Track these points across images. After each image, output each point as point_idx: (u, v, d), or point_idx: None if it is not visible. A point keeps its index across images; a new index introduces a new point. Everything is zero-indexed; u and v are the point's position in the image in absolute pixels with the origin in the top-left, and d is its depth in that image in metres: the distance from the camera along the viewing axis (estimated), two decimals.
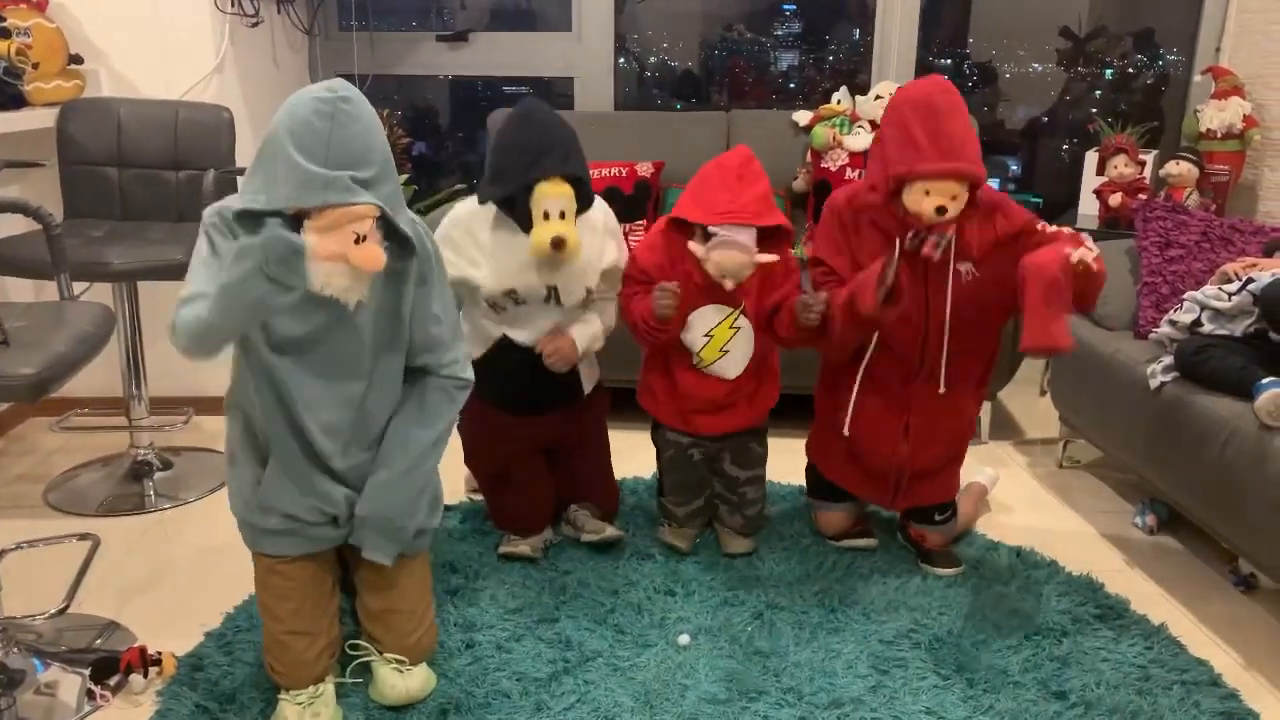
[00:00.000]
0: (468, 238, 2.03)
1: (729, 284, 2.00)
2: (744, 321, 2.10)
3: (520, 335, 2.09)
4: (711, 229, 1.97)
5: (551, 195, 1.92)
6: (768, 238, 2.02)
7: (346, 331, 1.59)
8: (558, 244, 1.92)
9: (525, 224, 1.97)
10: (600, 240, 2.09)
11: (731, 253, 1.97)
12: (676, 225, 2.06)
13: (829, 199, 2.11)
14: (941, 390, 2.06)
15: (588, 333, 2.13)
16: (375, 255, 1.49)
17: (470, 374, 1.76)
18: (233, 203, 1.52)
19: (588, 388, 2.23)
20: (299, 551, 1.69)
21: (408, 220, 1.58)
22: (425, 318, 1.67)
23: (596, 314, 2.17)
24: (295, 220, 1.46)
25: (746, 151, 2.02)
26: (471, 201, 2.06)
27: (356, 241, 1.46)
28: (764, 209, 1.99)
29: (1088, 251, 1.87)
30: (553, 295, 2.05)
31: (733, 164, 2.00)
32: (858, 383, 2.11)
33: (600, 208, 2.12)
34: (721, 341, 2.09)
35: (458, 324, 1.76)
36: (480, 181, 2.05)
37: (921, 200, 1.89)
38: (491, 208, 2.02)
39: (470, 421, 2.16)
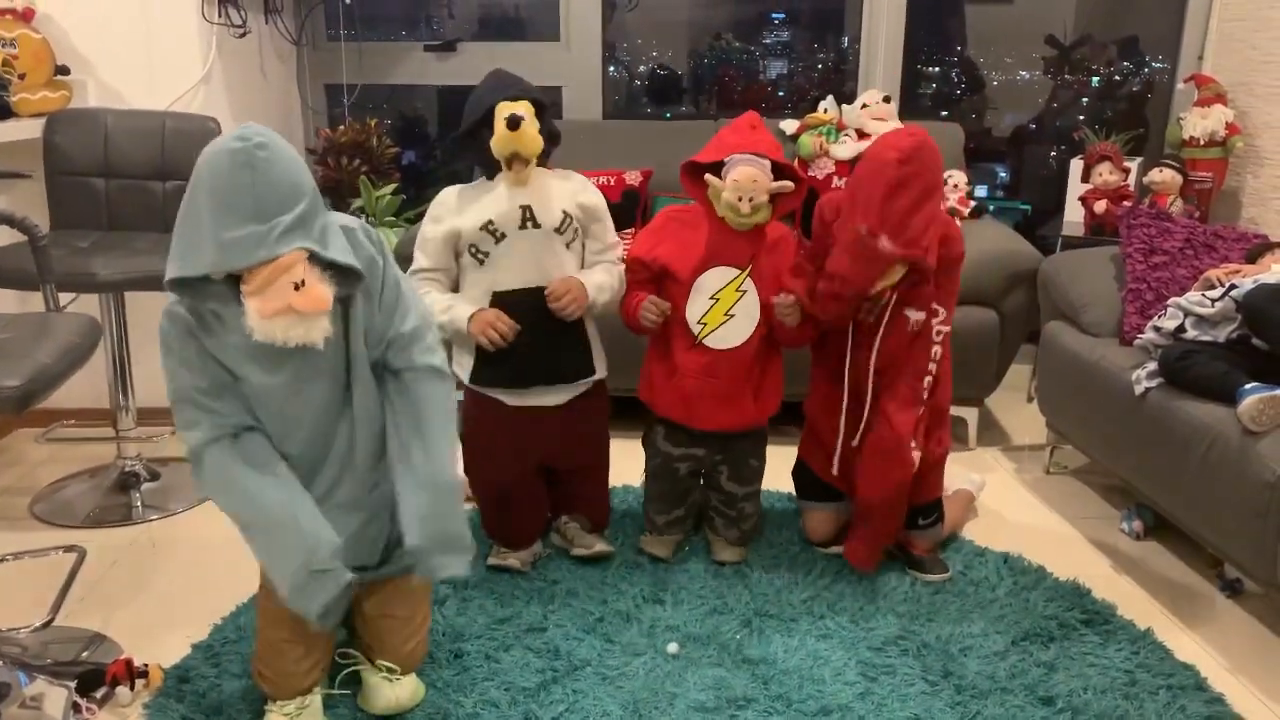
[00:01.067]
0: (446, 205, 2.09)
1: (745, 208, 2.02)
2: (750, 285, 2.10)
3: (509, 278, 2.05)
4: (725, 160, 2.05)
5: (510, 108, 1.97)
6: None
7: (317, 369, 1.57)
8: (513, 122, 1.94)
9: (491, 168, 2.04)
10: (577, 183, 2.14)
11: (749, 169, 2.02)
12: (691, 177, 2.11)
13: (817, 208, 2.13)
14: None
15: (594, 278, 2.10)
16: (318, 295, 1.45)
17: (446, 363, 1.71)
18: (171, 303, 1.50)
19: (598, 367, 2.18)
20: None
21: (340, 246, 1.52)
22: (388, 315, 1.63)
23: (598, 269, 2.14)
24: (232, 278, 1.45)
25: (755, 114, 2.12)
26: (449, 188, 2.13)
27: (297, 288, 1.44)
28: (776, 150, 2.08)
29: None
30: (528, 216, 2.03)
31: (744, 120, 2.12)
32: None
33: (578, 176, 2.17)
34: (727, 305, 2.09)
35: (425, 313, 1.70)
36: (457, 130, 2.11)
37: None
38: (479, 181, 2.09)
39: (477, 429, 2.15)
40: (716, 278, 2.09)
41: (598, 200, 2.15)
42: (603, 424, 2.26)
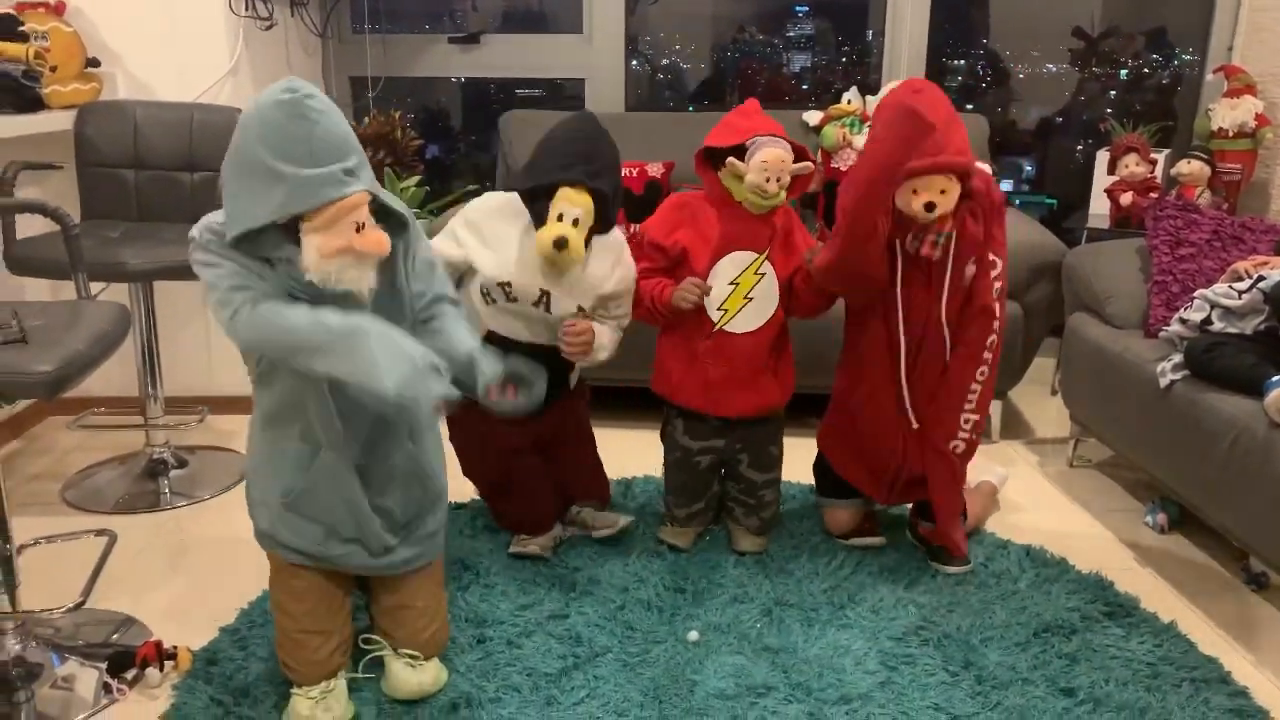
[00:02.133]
0: (489, 221, 2.06)
1: (773, 186, 2.03)
2: (768, 267, 2.11)
3: (505, 330, 2.09)
4: (749, 143, 2.04)
5: (569, 200, 1.94)
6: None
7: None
8: (560, 244, 1.93)
9: (540, 224, 1.98)
10: (609, 267, 2.08)
11: (776, 149, 2.02)
12: (706, 162, 2.11)
13: (839, 192, 2.12)
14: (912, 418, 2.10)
15: (602, 336, 2.12)
16: (380, 239, 1.50)
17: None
18: (215, 221, 1.50)
19: (573, 382, 2.24)
20: (314, 571, 1.70)
21: (389, 195, 1.58)
22: (419, 274, 1.66)
23: (607, 329, 2.16)
24: (288, 228, 1.46)
25: (756, 102, 2.14)
26: (505, 195, 2.09)
27: (358, 230, 1.47)
28: (786, 134, 2.07)
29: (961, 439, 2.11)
30: (544, 300, 2.04)
31: (749, 106, 2.13)
32: (871, 369, 2.12)
33: (618, 238, 2.12)
34: (746, 288, 2.10)
35: (447, 277, 1.75)
36: (521, 170, 2.06)
37: (911, 200, 1.92)
38: (519, 205, 2.03)
39: (462, 432, 2.18)
40: (734, 263, 2.10)
41: (624, 285, 2.12)
42: (582, 403, 2.30)
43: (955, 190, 1.92)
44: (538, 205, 1.98)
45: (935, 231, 1.95)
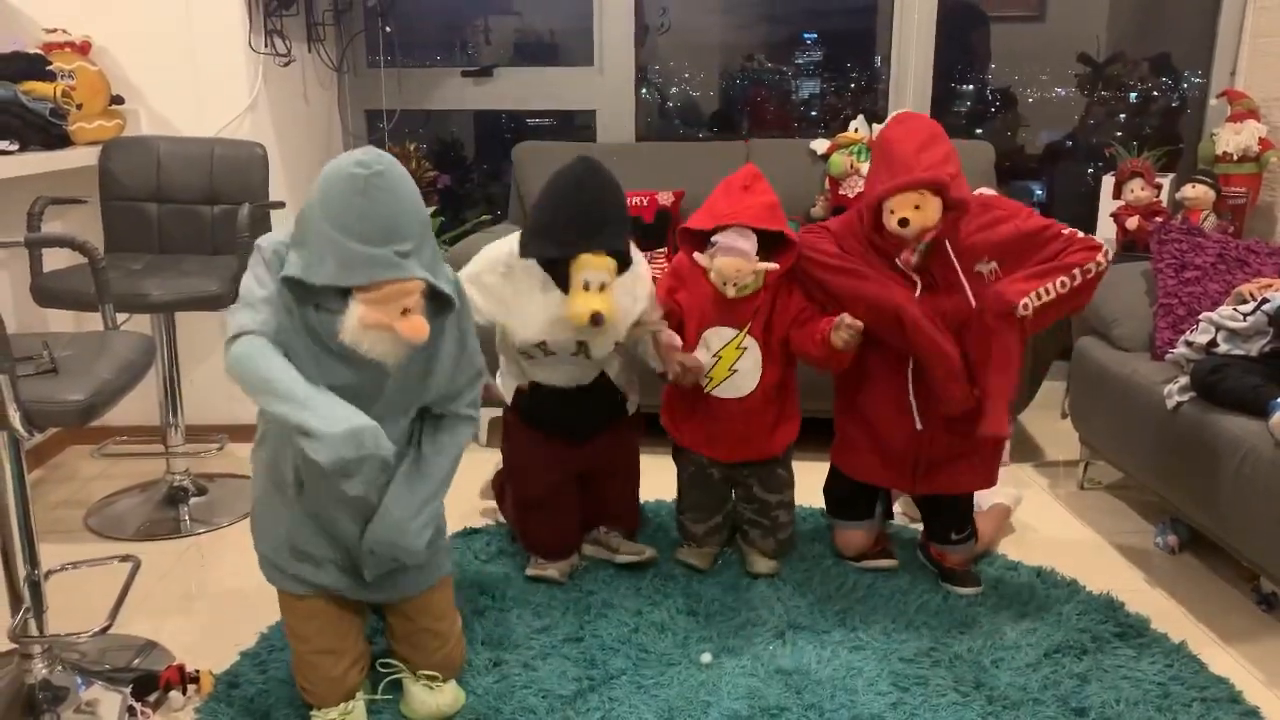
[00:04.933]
0: (504, 284, 2.07)
1: (731, 291, 2.07)
2: (750, 342, 2.14)
3: (549, 379, 2.16)
4: (714, 238, 2.07)
5: (593, 267, 1.94)
6: (775, 251, 2.10)
7: (368, 385, 1.60)
8: (596, 320, 1.93)
9: (563, 282, 1.98)
10: (631, 300, 2.09)
11: (730, 258, 2.05)
12: (688, 241, 2.15)
13: (800, 260, 2.14)
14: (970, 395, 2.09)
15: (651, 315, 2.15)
16: (421, 327, 1.50)
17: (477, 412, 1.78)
18: (281, 242, 1.54)
19: (631, 408, 2.29)
20: (323, 592, 1.73)
21: (447, 279, 1.59)
22: (455, 370, 1.69)
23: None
24: (342, 290, 1.49)
25: (753, 168, 2.14)
26: (509, 243, 2.07)
27: (404, 312, 1.49)
28: (764, 215, 2.07)
29: (1028, 302, 2.01)
30: (582, 350, 2.10)
31: (738, 178, 2.13)
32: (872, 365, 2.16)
33: (637, 259, 2.10)
34: (729, 362, 2.14)
35: (481, 367, 1.76)
36: (524, 231, 2.04)
37: (889, 219, 1.99)
38: (530, 260, 2.03)
39: (516, 445, 2.23)
40: (718, 337, 2.14)
41: (648, 301, 2.14)
42: (633, 431, 2.34)
43: (932, 204, 1.97)
44: (559, 269, 1.98)
45: (914, 244, 2.02)
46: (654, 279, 2.21)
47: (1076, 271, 2.03)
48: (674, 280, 2.21)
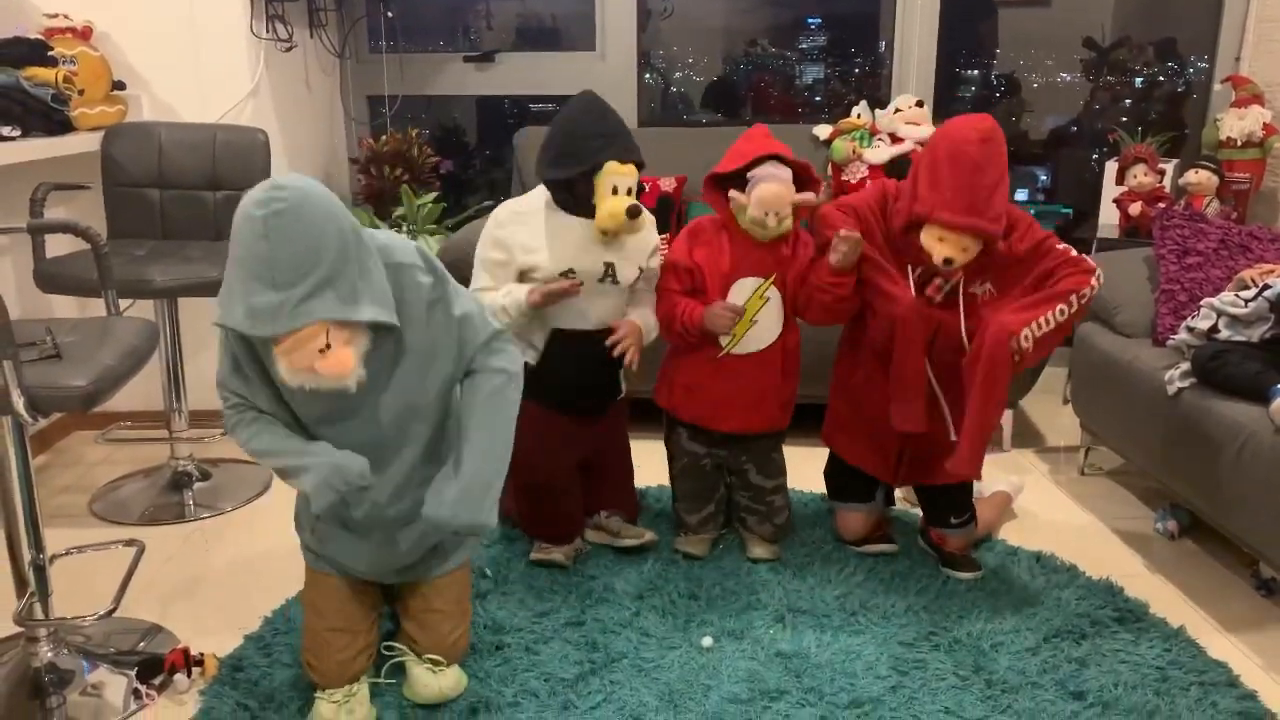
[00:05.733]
0: (516, 229, 2.09)
1: (771, 221, 2.08)
2: (773, 292, 2.15)
3: (572, 322, 2.14)
4: (750, 174, 2.09)
5: (620, 173, 2.02)
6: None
7: (354, 402, 1.60)
8: (634, 212, 2.00)
9: (580, 207, 2.05)
10: (645, 231, 2.17)
11: (772, 185, 2.06)
12: (713, 189, 2.16)
13: (818, 220, 2.15)
14: (948, 421, 2.10)
15: (647, 320, 2.20)
16: (341, 362, 1.48)
17: (518, 361, 1.75)
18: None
19: (623, 388, 2.29)
20: (348, 575, 1.79)
21: (375, 294, 1.51)
22: (460, 337, 1.67)
23: (645, 306, 2.23)
24: None
25: (764, 127, 2.17)
26: (509, 203, 2.14)
27: (322, 351, 1.47)
28: (790, 155, 2.11)
29: (1028, 334, 1.96)
30: (609, 273, 2.10)
31: (754, 130, 2.16)
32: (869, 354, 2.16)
33: (649, 225, 2.20)
34: (752, 312, 2.14)
35: (480, 312, 1.72)
36: (538, 162, 2.10)
37: (934, 244, 1.96)
38: (536, 200, 2.10)
39: (524, 429, 2.21)
40: (742, 288, 2.15)
41: (658, 255, 2.23)
42: (625, 420, 2.36)
43: (975, 250, 1.95)
44: (578, 191, 2.04)
45: (944, 279, 2.01)
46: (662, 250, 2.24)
47: (1073, 298, 1.99)
48: (690, 240, 2.21)
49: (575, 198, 2.06)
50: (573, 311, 2.13)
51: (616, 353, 2.11)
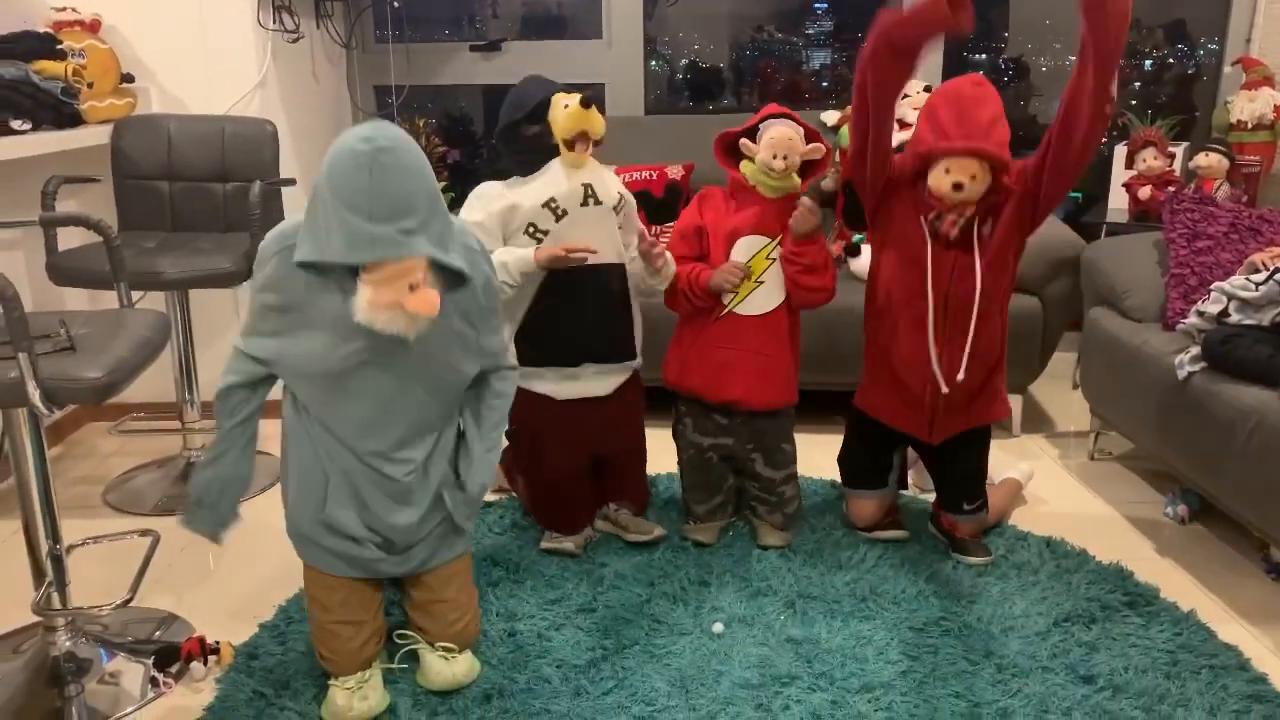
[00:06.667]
0: (491, 188, 2.14)
1: (780, 164, 2.10)
2: (779, 253, 2.17)
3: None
4: (760, 125, 2.14)
5: (568, 97, 2.06)
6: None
7: (389, 357, 1.62)
8: (587, 101, 2.02)
9: (542, 152, 2.09)
10: (610, 172, 2.22)
11: (784, 128, 2.11)
12: (724, 152, 2.20)
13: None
14: (965, 359, 2.07)
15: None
16: (430, 301, 1.52)
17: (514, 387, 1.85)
18: (289, 231, 1.57)
19: (638, 352, 2.25)
20: (349, 575, 1.78)
21: (460, 251, 1.60)
22: (487, 323, 1.73)
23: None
24: (352, 268, 1.52)
25: (775, 107, 2.20)
26: (485, 187, 2.18)
27: (411, 288, 1.51)
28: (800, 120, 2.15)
29: None
30: (590, 193, 2.11)
31: (769, 108, 2.19)
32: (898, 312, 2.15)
33: (624, 190, 2.24)
34: (757, 272, 2.16)
35: (504, 321, 1.84)
36: (499, 140, 2.16)
37: (942, 178, 1.99)
38: (512, 181, 2.14)
39: (522, 430, 2.22)
40: (747, 246, 2.16)
41: (634, 210, 2.27)
42: (641, 408, 2.34)
43: (985, 180, 1.99)
44: (531, 130, 2.08)
45: (958, 214, 2.01)
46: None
47: None
48: (700, 203, 2.25)
49: (533, 146, 2.09)
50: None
51: (646, 250, 2.12)
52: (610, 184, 2.17)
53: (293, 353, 1.62)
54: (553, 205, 2.09)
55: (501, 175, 2.19)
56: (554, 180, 2.11)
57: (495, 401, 1.81)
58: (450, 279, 1.60)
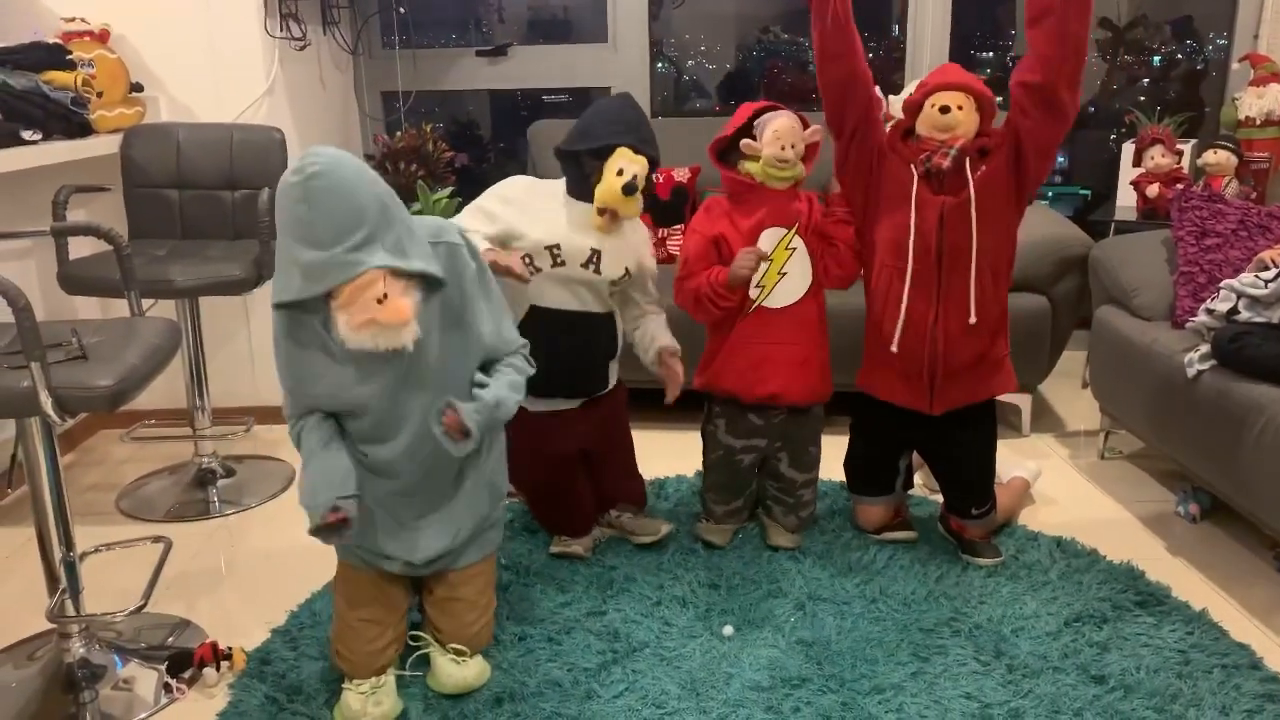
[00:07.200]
0: (527, 197, 2.12)
1: (790, 153, 2.10)
2: (799, 241, 2.17)
3: (552, 301, 2.13)
4: (755, 122, 2.14)
5: (630, 159, 2.03)
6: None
7: (405, 370, 1.64)
8: (630, 188, 2.00)
9: (585, 191, 2.06)
10: (639, 234, 2.20)
11: (785, 119, 2.12)
12: (719, 157, 2.21)
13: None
14: (973, 306, 2.07)
15: (660, 323, 2.27)
16: (401, 307, 1.53)
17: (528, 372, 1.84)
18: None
19: (612, 380, 2.27)
20: (381, 568, 1.81)
21: (421, 253, 1.59)
22: (479, 322, 1.73)
23: (657, 321, 2.27)
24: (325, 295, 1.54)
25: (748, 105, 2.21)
26: (531, 178, 2.20)
27: (380, 301, 1.52)
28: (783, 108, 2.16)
29: None
30: (594, 260, 2.09)
31: (745, 104, 2.21)
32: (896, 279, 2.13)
33: (643, 228, 2.25)
34: (780, 263, 2.16)
35: (505, 309, 1.81)
36: (568, 138, 2.12)
37: (931, 112, 2.04)
38: (556, 184, 2.13)
39: (515, 440, 2.22)
40: (768, 240, 2.16)
41: (653, 262, 2.26)
42: (623, 402, 2.33)
43: (972, 115, 2.04)
44: (589, 167, 2.05)
45: (947, 146, 2.03)
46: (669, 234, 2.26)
47: None
48: (709, 213, 2.24)
49: (583, 178, 2.07)
50: (552, 290, 2.12)
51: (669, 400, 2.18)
52: (622, 258, 2.13)
53: (342, 397, 1.65)
54: (554, 252, 2.08)
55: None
56: (569, 224, 2.08)
57: (510, 367, 1.79)
58: (428, 278, 1.61)
